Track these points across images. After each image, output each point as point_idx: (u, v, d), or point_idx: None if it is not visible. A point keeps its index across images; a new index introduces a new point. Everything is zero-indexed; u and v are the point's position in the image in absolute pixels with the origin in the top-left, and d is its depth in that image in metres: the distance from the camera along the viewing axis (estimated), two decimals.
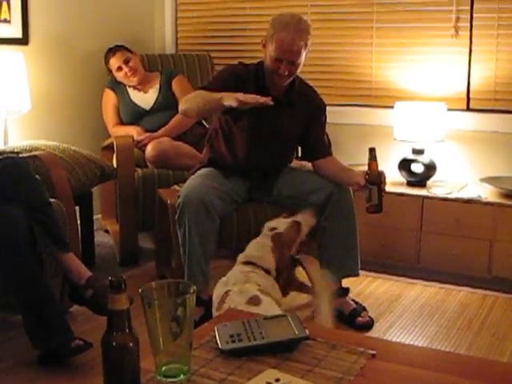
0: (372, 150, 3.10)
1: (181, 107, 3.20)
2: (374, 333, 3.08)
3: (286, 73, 3.10)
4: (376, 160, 3.10)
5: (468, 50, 4.15)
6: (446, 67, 4.21)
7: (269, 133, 3.25)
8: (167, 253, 3.66)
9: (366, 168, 3.15)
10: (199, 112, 3.19)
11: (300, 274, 3.74)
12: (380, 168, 3.15)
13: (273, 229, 2.79)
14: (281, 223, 2.83)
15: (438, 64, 4.23)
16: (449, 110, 4.11)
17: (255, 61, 3.31)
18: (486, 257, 3.74)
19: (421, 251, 3.90)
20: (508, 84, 4.10)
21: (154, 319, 1.43)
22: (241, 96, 2.92)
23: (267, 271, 2.66)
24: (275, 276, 2.68)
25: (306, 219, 2.89)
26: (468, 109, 4.22)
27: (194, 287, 1.46)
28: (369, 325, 3.17)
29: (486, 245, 3.74)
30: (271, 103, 2.94)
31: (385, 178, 3.15)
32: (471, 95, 4.20)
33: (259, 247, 2.75)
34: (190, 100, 3.17)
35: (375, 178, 3.09)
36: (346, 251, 3.24)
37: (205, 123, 4.25)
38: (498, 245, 3.71)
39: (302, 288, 3.49)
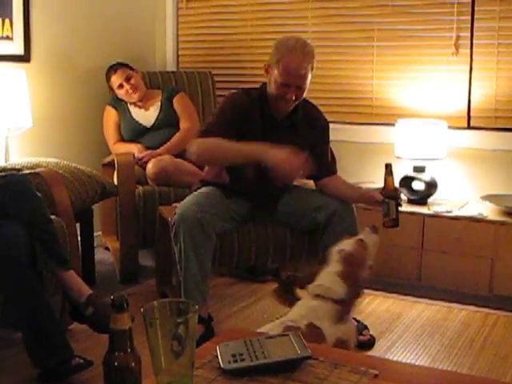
0: (388, 166, 3.12)
1: (191, 151, 3.13)
2: (375, 351, 3.06)
3: (293, 98, 3.08)
4: (392, 175, 3.11)
5: (468, 67, 4.16)
6: (447, 85, 4.22)
7: None
8: (168, 270, 3.65)
9: (369, 185, 3.16)
10: (212, 159, 3.19)
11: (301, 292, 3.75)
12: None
13: (340, 251, 2.53)
14: (346, 244, 2.59)
15: (439, 82, 4.25)
16: (449, 127, 4.11)
17: (257, 79, 3.30)
18: (488, 275, 3.74)
19: (422, 269, 3.90)
20: (508, 102, 4.11)
21: (155, 338, 1.42)
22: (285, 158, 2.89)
23: (339, 301, 2.35)
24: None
25: (368, 237, 2.64)
26: (469, 127, 4.23)
27: (196, 306, 1.45)
28: (370, 343, 3.15)
29: (487, 263, 3.74)
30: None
31: (400, 193, 3.16)
32: (472, 113, 4.21)
33: (327, 276, 2.45)
34: (202, 144, 3.09)
35: (392, 193, 3.10)
36: None
37: None
38: (499, 263, 3.70)
39: None
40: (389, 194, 3.09)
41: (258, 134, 3.12)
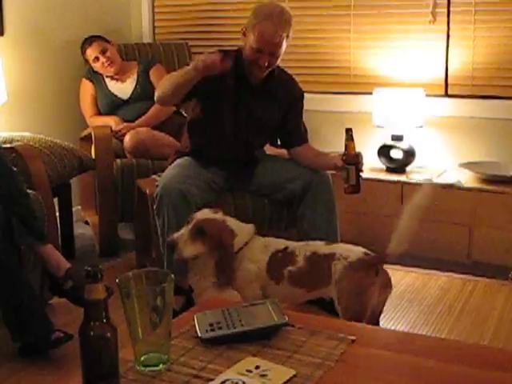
0: (348, 130, 3.08)
1: (156, 95, 3.14)
2: None
3: (266, 64, 3.07)
4: (353, 140, 3.08)
5: (446, 35, 4.15)
6: (424, 53, 4.21)
7: (247, 121, 3.23)
8: (147, 243, 3.64)
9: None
10: (175, 91, 3.06)
11: None
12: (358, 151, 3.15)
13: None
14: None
15: (416, 50, 4.24)
16: (427, 95, 4.11)
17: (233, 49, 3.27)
18: (466, 242, 3.76)
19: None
20: (485, 69, 4.11)
21: (132, 309, 1.42)
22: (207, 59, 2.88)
23: None
24: None
25: None
26: (446, 95, 4.23)
27: (172, 276, 1.45)
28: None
29: (465, 230, 3.76)
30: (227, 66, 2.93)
31: (362, 158, 3.13)
32: (449, 81, 4.21)
33: None
34: (162, 84, 3.12)
35: (352, 158, 3.06)
36: (326, 238, 3.23)
37: (183, 113, 4.22)
38: (477, 230, 3.73)
39: None
40: (349, 160, 3.05)
41: (231, 96, 3.12)
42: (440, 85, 4.22)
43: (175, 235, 2.55)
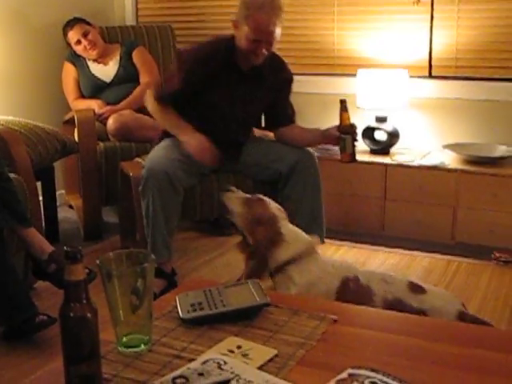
0: (343, 102, 3.12)
1: (148, 107, 3.26)
2: None
3: (265, 52, 3.08)
4: (347, 111, 3.12)
5: (429, 17, 4.15)
6: (408, 34, 4.21)
7: (240, 109, 3.23)
8: (131, 226, 3.63)
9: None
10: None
11: None
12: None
13: None
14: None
15: (400, 31, 4.23)
16: (411, 77, 4.11)
17: (218, 32, 3.27)
18: (450, 223, 3.78)
19: (385, 218, 3.93)
20: (469, 51, 4.11)
21: (113, 290, 1.41)
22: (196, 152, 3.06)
23: None
24: None
25: None
26: (430, 76, 4.23)
27: (153, 256, 1.45)
28: None
29: (449, 211, 3.78)
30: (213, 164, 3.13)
31: (356, 128, 3.17)
32: (433, 62, 4.21)
33: None
34: (155, 112, 3.25)
35: (348, 128, 3.11)
36: (311, 219, 3.25)
37: None
38: (461, 211, 3.74)
39: None
40: (345, 130, 3.10)
41: (222, 81, 3.15)
42: (424, 66, 4.22)
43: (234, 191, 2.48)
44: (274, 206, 2.38)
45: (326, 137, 3.23)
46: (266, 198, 2.42)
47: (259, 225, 2.29)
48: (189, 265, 3.56)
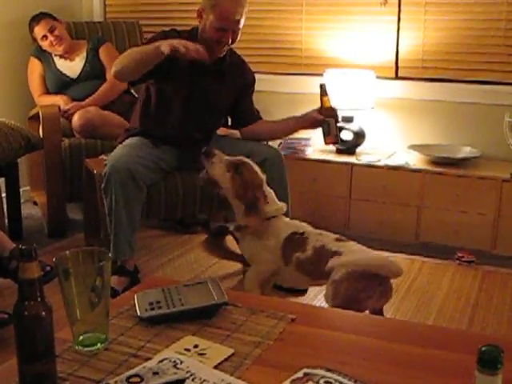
0: (322, 86, 3.14)
1: (113, 69, 3.07)
2: (303, 299, 3.10)
3: (230, 41, 3.08)
4: (328, 94, 3.14)
5: (397, 18, 4.17)
6: (375, 35, 4.23)
7: (201, 102, 3.22)
8: (96, 224, 3.60)
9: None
10: (135, 67, 3.00)
11: (231, 242, 3.77)
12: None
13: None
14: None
15: (368, 32, 4.25)
16: (378, 77, 4.14)
17: (184, 28, 3.25)
18: (414, 223, 3.81)
19: (350, 218, 3.95)
20: (435, 52, 4.14)
21: (69, 288, 1.40)
22: (178, 43, 2.84)
23: None
24: None
25: None
26: (397, 77, 4.26)
27: (110, 254, 1.44)
28: (302, 290, 3.18)
29: (413, 211, 3.80)
30: (207, 59, 2.96)
31: (337, 111, 3.20)
32: (400, 63, 4.24)
33: None
34: (123, 59, 3.04)
35: (330, 111, 3.13)
36: None
37: (133, 92, 4.18)
38: (425, 211, 3.77)
39: (232, 257, 3.51)
40: (327, 113, 3.12)
41: (184, 76, 3.13)
42: (390, 67, 4.25)
43: (216, 154, 2.69)
44: (258, 169, 2.71)
45: (306, 120, 3.22)
46: (248, 161, 2.72)
47: (249, 188, 2.64)
48: (153, 263, 3.54)
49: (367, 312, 2.31)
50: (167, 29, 3.24)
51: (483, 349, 0.87)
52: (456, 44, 4.09)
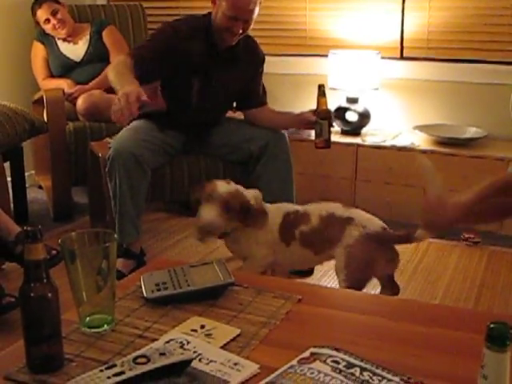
0: (321, 86, 3.11)
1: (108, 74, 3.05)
2: (310, 280, 3.09)
3: (241, 31, 3.04)
4: (325, 96, 3.11)
5: None
6: (380, 15, 4.20)
7: (215, 89, 3.20)
8: (101, 207, 3.60)
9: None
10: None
11: None
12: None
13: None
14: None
15: (372, 12, 4.22)
16: (382, 58, 4.11)
17: (190, 11, 3.22)
18: (420, 203, 3.78)
19: (355, 199, 3.94)
20: (441, 32, 4.11)
21: (75, 270, 1.40)
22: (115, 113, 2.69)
23: None
24: None
25: None
26: (402, 57, 4.24)
27: (115, 235, 1.44)
28: (308, 271, 3.17)
29: (419, 192, 3.78)
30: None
31: (333, 114, 3.18)
32: (405, 44, 4.22)
33: None
34: (112, 71, 2.99)
35: (325, 113, 3.10)
36: (282, 199, 3.23)
37: None
38: None
39: None
40: (322, 115, 3.09)
41: (199, 64, 3.10)
42: (395, 47, 4.22)
43: (205, 219, 2.46)
44: (224, 187, 2.50)
45: (300, 121, 3.22)
46: (235, 190, 2.51)
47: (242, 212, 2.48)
48: (158, 245, 3.54)
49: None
50: (169, 13, 3.19)
51: (491, 326, 0.86)
52: (461, 23, 4.06)
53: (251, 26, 3.08)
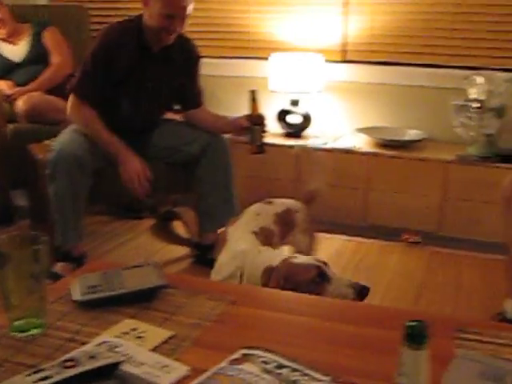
0: (253, 92, 3.12)
1: (68, 115, 3.13)
2: None
3: (178, 29, 3.03)
4: (257, 101, 3.11)
5: (345, 1, 4.17)
6: (323, 19, 4.23)
7: (152, 93, 3.19)
8: (42, 210, 3.56)
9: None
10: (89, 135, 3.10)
11: (179, 227, 3.75)
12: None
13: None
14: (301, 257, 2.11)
15: (315, 16, 4.24)
16: (326, 61, 4.14)
17: (133, 13, 3.19)
18: (362, 205, 3.83)
19: (298, 201, 3.94)
20: (383, 36, 4.16)
21: (5, 273, 1.38)
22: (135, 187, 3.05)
23: None
24: None
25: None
26: (344, 60, 4.27)
27: (46, 238, 1.42)
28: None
29: (361, 193, 3.83)
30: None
31: (265, 119, 3.18)
32: (348, 47, 4.25)
33: None
34: (84, 124, 3.11)
35: (258, 119, 3.11)
36: (223, 200, 3.26)
37: None
38: (372, 193, 3.80)
39: (180, 241, 3.50)
40: (255, 120, 3.10)
41: (134, 67, 3.10)
42: (338, 50, 4.26)
43: None
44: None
45: (235, 127, 3.23)
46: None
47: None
48: (100, 249, 3.52)
49: None
50: (111, 15, 3.19)
51: (409, 324, 0.88)
52: (403, 27, 4.12)
53: (187, 24, 3.08)
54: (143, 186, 3.06)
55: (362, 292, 1.94)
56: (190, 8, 3.03)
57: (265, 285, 1.92)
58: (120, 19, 3.21)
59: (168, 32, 3.04)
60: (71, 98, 3.13)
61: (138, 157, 3.07)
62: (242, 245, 2.15)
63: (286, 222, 2.39)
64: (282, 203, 2.50)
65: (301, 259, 1.98)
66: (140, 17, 3.10)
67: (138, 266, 1.67)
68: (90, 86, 3.08)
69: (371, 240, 3.69)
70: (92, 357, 1.26)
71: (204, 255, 3.25)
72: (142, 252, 3.44)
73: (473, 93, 3.66)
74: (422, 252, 3.55)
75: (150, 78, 3.16)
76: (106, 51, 3.05)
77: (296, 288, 1.83)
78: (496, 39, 3.94)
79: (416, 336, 0.86)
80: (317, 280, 1.90)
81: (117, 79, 3.09)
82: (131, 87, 3.14)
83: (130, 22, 3.13)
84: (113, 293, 1.53)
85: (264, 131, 3.15)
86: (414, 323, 0.87)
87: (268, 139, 3.88)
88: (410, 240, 3.63)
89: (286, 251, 2.26)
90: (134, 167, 3.04)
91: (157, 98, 3.24)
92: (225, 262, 2.12)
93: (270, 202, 2.49)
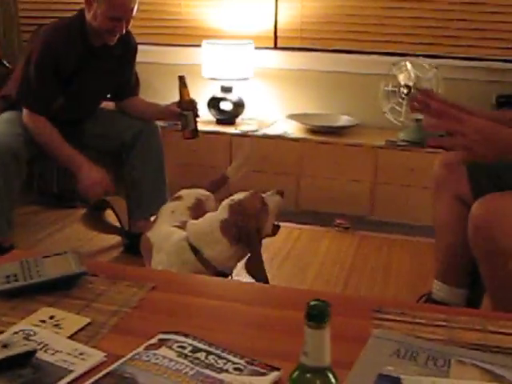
0: (182, 78, 3.14)
1: (29, 127, 3.06)
2: None
3: (123, 31, 3.01)
4: (186, 87, 3.13)
5: None
6: (254, 5, 4.24)
7: (94, 88, 3.18)
8: None
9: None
10: (44, 148, 3.07)
11: (110, 216, 3.73)
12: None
13: (231, 200, 2.26)
14: (239, 194, 2.29)
15: (246, 2, 4.25)
16: (256, 48, 4.15)
17: (67, 7, 3.15)
18: (294, 191, 3.86)
19: (230, 187, 3.95)
20: (313, 23, 4.20)
21: None
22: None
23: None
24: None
25: (270, 197, 2.41)
26: (275, 47, 4.29)
27: None
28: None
29: (293, 179, 3.86)
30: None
31: (197, 104, 3.19)
32: (278, 33, 4.27)
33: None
34: (40, 134, 3.06)
35: (189, 104, 3.13)
36: (154, 188, 3.26)
37: (6, 63, 4.04)
38: (304, 179, 3.84)
39: (111, 230, 3.48)
40: (185, 106, 3.12)
41: (80, 66, 3.08)
42: (269, 37, 4.27)
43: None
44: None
45: (167, 113, 3.24)
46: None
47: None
48: (30, 239, 3.47)
49: None
50: (43, 10, 3.15)
51: (311, 303, 0.90)
52: (333, 14, 4.16)
53: (131, 24, 3.07)
54: (99, 194, 3.10)
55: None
56: (136, 8, 3.01)
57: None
58: (53, 13, 3.16)
59: (112, 34, 3.01)
60: (24, 110, 3.09)
61: (97, 167, 3.06)
62: (172, 235, 2.13)
63: (199, 213, 2.35)
64: (188, 195, 2.44)
65: (236, 196, 2.21)
66: (81, 15, 3.05)
67: (58, 254, 1.65)
68: (41, 96, 3.05)
69: (302, 226, 3.72)
70: (5, 345, 1.25)
71: (134, 244, 3.24)
72: (73, 241, 3.41)
73: (402, 79, 3.71)
74: (353, 237, 3.60)
75: (93, 74, 3.14)
76: (53, 56, 3.01)
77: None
78: (421, 26, 4.01)
79: (316, 315, 0.88)
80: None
81: (64, 80, 3.07)
82: (73, 84, 3.11)
83: (73, 21, 3.08)
84: (31, 281, 1.51)
85: (196, 116, 3.16)
86: (314, 302, 0.89)
87: (200, 126, 3.91)
88: (341, 225, 3.67)
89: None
90: (93, 179, 3.03)
91: (98, 92, 3.23)
92: (165, 259, 2.08)
93: (178, 197, 2.43)
